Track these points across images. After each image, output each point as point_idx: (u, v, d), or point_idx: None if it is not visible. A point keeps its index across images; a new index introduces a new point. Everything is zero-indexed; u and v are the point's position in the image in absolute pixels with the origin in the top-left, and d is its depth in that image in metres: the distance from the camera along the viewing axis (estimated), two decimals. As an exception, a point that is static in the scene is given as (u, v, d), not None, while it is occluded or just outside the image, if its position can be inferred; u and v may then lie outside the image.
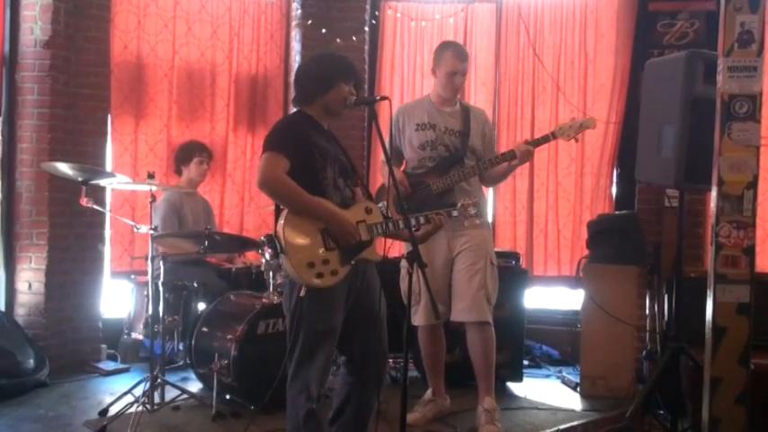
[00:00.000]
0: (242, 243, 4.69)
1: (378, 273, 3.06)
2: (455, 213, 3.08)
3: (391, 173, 2.84)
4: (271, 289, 4.14)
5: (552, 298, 5.72)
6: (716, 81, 3.17)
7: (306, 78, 3.00)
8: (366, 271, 2.97)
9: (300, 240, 2.79)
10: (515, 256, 4.79)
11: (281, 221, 2.79)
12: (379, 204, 3.03)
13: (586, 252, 4.94)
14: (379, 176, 5.76)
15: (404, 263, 3.80)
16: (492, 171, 3.85)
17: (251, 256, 5.18)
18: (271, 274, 4.14)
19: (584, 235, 5.07)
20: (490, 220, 5.43)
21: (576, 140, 3.79)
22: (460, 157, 3.81)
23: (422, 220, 3.04)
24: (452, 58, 3.78)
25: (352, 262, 2.87)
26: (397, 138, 3.95)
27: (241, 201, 5.67)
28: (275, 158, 2.79)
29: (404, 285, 3.85)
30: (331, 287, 2.81)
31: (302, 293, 2.78)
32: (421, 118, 3.89)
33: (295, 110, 3.07)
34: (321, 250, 2.81)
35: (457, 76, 3.80)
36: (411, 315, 3.82)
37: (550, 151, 5.63)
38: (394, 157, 3.98)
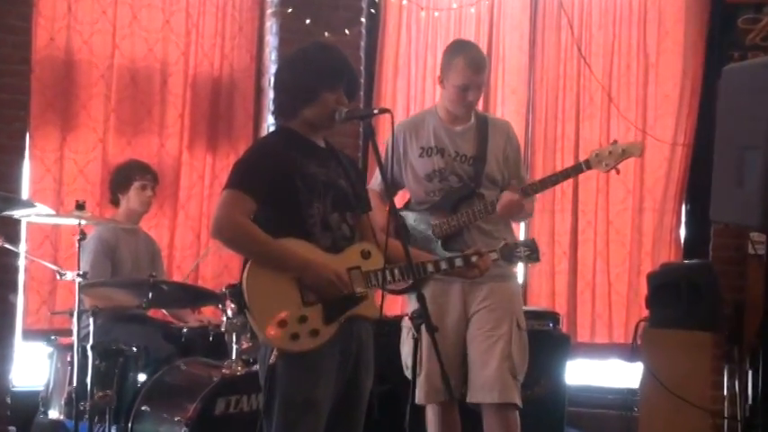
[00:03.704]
0: (197, 295, 4.68)
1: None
2: (494, 256, 3.10)
3: (392, 206, 2.85)
4: (233, 356, 4.12)
5: (601, 372, 5.70)
6: (814, 94, 3.20)
7: (280, 89, 3.03)
8: (361, 333, 2.97)
9: (270, 292, 2.80)
10: (554, 317, 4.79)
11: (247, 268, 2.82)
12: None
13: (646, 313, 4.94)
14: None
15: (406, 323, 3.80)
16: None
17: (208, 312, 5.16)
18: (234, 336, 4.13)
19: (644, 290, 5.08)
20: (520, 269, 5.45)
21: (618, 171, 3.81)
22: (473, 190, 3.80)
23: (443, 265, 3.06)
24: (464, 67, 3.74)
25: (341, 320, 2.87)
26: (396, 164, 3.92)
27: (197, 239, 5.68)
28: (235, 199, 2.83)
29: (405, 352, 3.85)
30: (310, 351, 2.82)
31: (272, 360, 2.79)
32: (427, 140, 3.88)
33: (276, 125, 3.10)
34: (297, 305, 2.81)
35: (470, 91, 3.78)
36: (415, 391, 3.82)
37: (599, 180, 5.66)
38: (382, 190, 3.96)
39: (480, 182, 3.82)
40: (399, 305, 5.11)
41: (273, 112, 3.07)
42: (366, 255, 2.95)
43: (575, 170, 3.84)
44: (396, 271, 2.94)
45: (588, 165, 3.76)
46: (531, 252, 3.21)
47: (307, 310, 2.82)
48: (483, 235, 3.74)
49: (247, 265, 2.83)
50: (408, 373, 3.69)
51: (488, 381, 3.70)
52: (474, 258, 3.08)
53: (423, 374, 3.67)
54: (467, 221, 3.76)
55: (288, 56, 3.16)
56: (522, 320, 3.83)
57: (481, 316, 3.76)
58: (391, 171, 3.94)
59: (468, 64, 3.76)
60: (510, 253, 3.15)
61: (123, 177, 4.98)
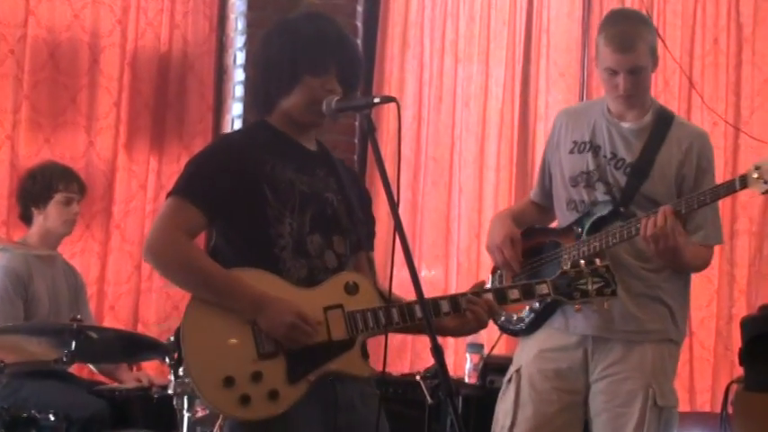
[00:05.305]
0: (136, 346, 4.66)
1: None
2: (544, 290, 3.00)
3: (398, 226, 2.82)
4: (184, 427, 4.12)
5: (680, 451, 5.69)
6: None
7: (255, 70, 3.08)
8: (351, 396, 2.92)
9: (215, 340, 2.80)
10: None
11: (187, 307, 2.83)
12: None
13: (740, 372, 4.92)
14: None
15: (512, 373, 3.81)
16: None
17: (151, 368, 5.16)
18: (185, 400, 4.12)
19: (737, 341, 5.06)
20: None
21: None
22: (619, 209, 3.71)
23: (445, 307, 2.98)
24: (605, 44, 3.73)
25: (311, 378, 2.84)
26: (550, 162, 3.97)
27: (136, 270, 5.69)
28: (177, 210, 2.85)
29: (502, 410, 3.82)
30: (270, 419, 2.78)
31: (215, 430, 2.80)
32: (582, 133, 3.86)
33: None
34: (250, 358, 2.79)
35: (618, 75, 3.72)
36: None
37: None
38: (542, 197, 3.99)
39: (631, 197, 3.75)
40: (408, 361, 5.10)
41: (251, 102, 3.09)
42: (352, 289, 2.90)
43: (726, 189, 3.63)
44: (393, 311, 2.86)
45: (744, 182, 3.53)
46: (606, 284, 2.95)
47: (263, 364, 2.79)
48: (624, 272, 3.63)
49: (188, 303, 2.83)
50: None
51: None
52: (463, 303, 2.90)
53: None
54: (598, 247, 3.68)
55: (270, 26, 3.16)
56: (666, 394, 3.77)
57: (608, 386, 3.76)
58: (542, 175, 3.97)
59: (609, 40, 3.73)
60: (570, 285, 2.96)
61: (41, 187, 4.94)
